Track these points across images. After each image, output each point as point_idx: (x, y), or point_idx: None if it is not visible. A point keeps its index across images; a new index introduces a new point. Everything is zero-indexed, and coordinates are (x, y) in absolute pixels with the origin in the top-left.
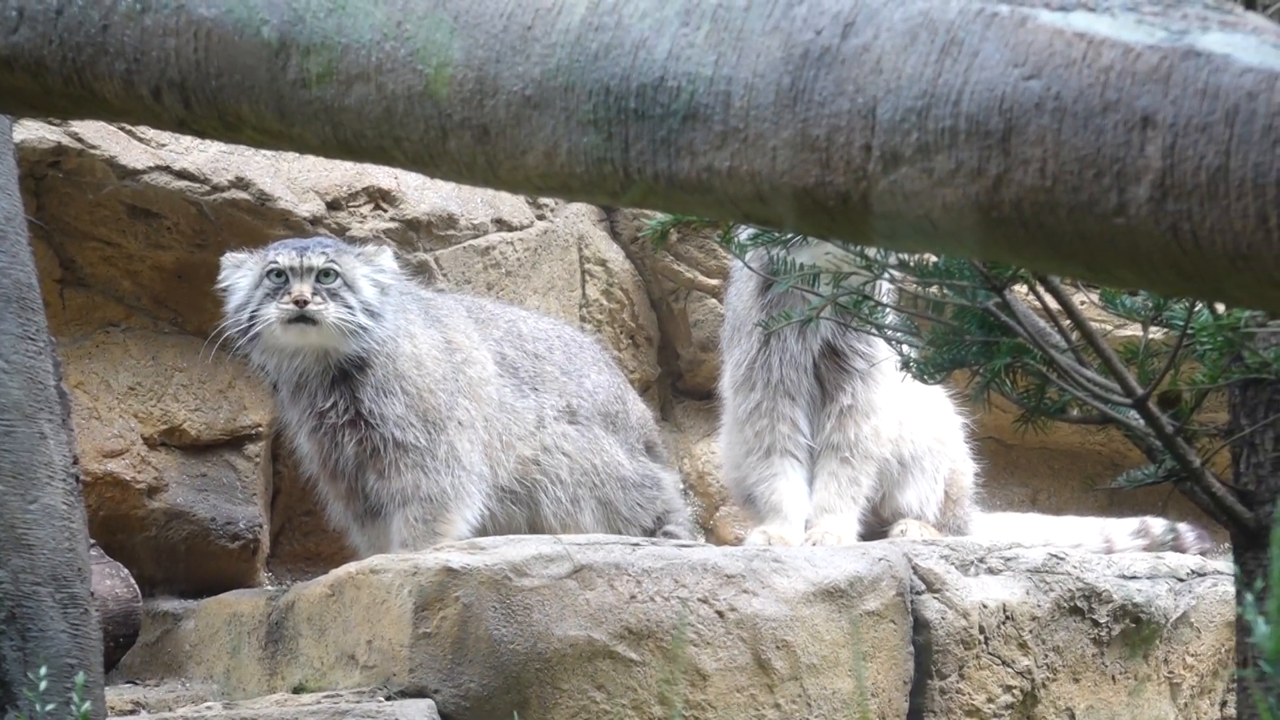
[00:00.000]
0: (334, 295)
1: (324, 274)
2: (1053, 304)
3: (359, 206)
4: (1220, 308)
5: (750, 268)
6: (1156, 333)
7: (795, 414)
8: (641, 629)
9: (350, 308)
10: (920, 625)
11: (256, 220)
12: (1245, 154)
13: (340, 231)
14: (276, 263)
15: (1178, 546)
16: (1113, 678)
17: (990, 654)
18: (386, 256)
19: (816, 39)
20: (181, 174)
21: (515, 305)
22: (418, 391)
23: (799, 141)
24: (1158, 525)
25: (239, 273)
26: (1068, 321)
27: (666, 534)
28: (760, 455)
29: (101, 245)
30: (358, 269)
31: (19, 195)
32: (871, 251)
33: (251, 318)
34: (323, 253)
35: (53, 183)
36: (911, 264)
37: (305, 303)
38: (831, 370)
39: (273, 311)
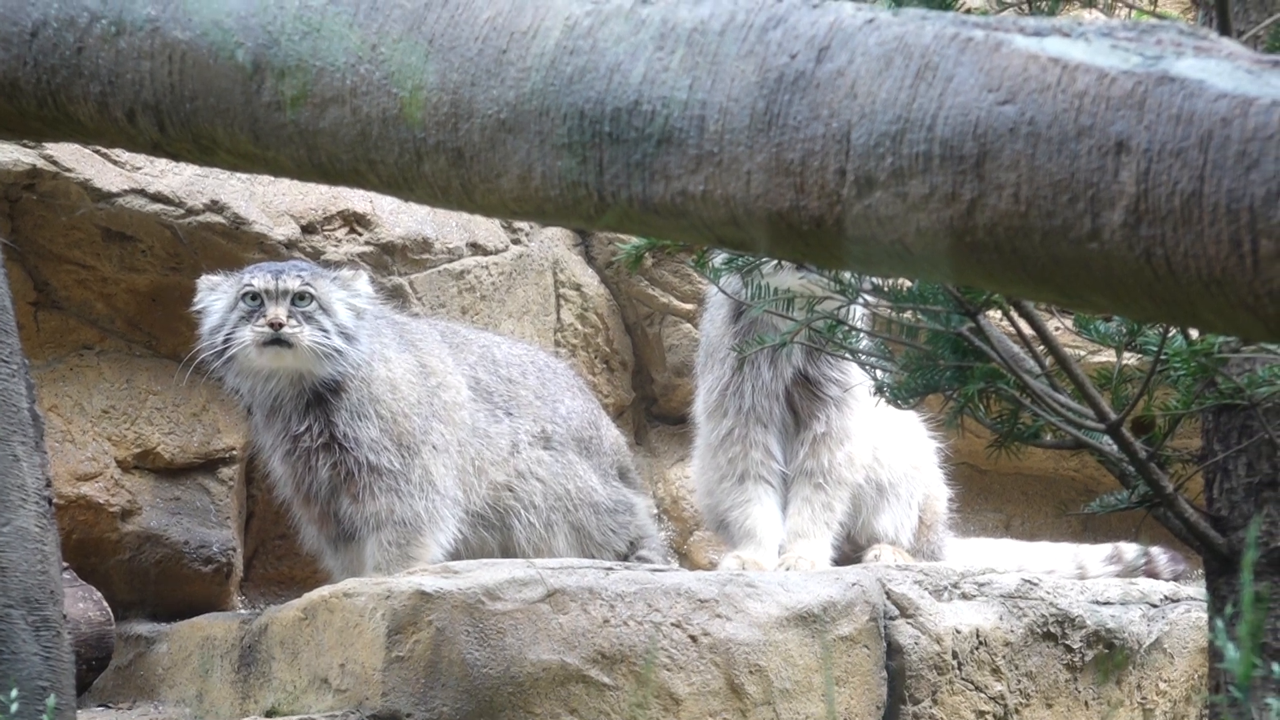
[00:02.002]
0: (309, 318)
1: (299, 297)
2: (1026, 329)
3: (334, 230)
4: (1194, 333)
5: (725, 292)
6: (1130, 358)
7: (768, 440)
8: (614, 653)
9: (325, 331)
10: (893, 650)
11: (231, 243)
12: (1219, 179)
13: (315, 255)
14: (252, 286)
15: (1151, 569)
16: (1086, 703)
17: (963, 679)
18: (362, 280)
19: (791, 63)
20: (156, 197)
21: (489, 330)
22: (392, 415)
23: (773, 165)
24: (1130, 551)
25: (214, 295)
26: (1041, 347)
27: (640, 559)
28: (734, 481)
29: (76, 268)
30: (333, 293)
31: None
32: (846, 276)
33: (226, 340)
34: (298, 276)
35: (27, 205)
36: (885, 289)
37: (280, 325)
38: (804, 397)
39: (248, 334)
